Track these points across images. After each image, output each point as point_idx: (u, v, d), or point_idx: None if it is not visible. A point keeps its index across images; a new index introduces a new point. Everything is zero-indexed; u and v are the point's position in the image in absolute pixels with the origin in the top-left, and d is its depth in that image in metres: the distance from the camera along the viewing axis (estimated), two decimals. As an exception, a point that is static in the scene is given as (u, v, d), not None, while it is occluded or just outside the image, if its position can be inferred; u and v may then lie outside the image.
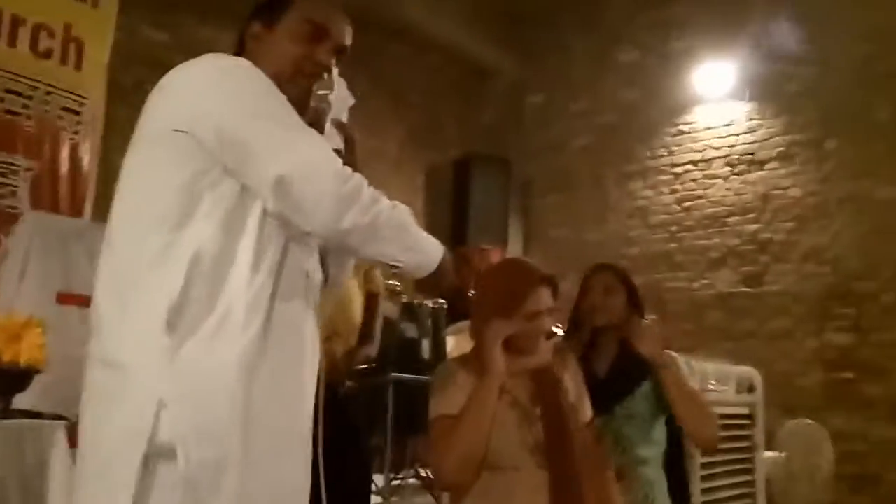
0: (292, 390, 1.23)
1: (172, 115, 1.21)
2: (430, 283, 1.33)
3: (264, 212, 1.19)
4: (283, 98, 1.24)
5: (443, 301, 3.49)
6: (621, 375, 2.21)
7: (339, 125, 1.32)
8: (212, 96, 1.21)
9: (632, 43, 5.95)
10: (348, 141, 1.33)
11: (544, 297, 1.82)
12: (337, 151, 1.27)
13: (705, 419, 2.12)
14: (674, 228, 5.59)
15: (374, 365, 3.12)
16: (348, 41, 1.38)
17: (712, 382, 3.03)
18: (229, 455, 1.12)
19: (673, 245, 5.57)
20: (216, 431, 1.12)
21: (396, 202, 1.25)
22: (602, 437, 2.08)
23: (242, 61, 1.28)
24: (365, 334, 3.01)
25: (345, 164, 1.27)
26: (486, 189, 5.63)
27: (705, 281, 5.37)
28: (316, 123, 1.29)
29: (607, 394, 2.15)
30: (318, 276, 1.32)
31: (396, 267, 1.27)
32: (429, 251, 1.29)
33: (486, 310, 1.85)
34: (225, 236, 1.18)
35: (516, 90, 6.48)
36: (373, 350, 3.04)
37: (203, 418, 1.11)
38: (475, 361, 1.81)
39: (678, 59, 5.67)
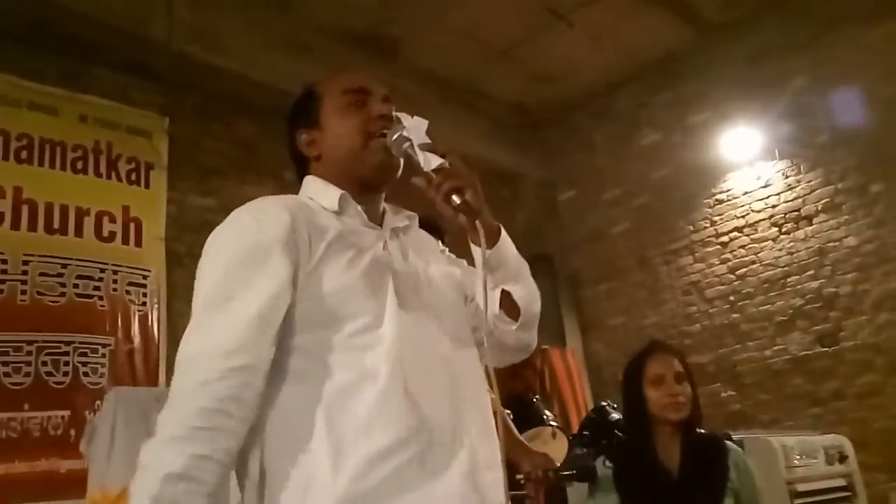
0: None
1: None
2: None
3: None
4: (250, 252, 1.16)
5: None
6: (705, 476, 1.99)
7: (428, 148, 1.30)
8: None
9: (650, 126, 6.06)
10: (446, 156, 1.30)
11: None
12: (437, 170, 1.27)
13: None
14: (732, 298, 5.47)
15: None
16: (384, 89, 1.39)
17: (797, 458, 2.79)
18: None
19: (735, 315, 5.42)
20: None
21: None
22: None
23: (242, 212, 1.23)
24: None
25: (453, 174, 1.25)
26: (534, 289, 5.64)
27: (777, 347, 5.18)
28: (409, 167, 1.30)
29: (691, 499, 1.96)
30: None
31: None
32: None
33: None
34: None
35: (546, 189, 6.59)
36: None
37: None
38: None
39: (701, 132, 5.73)
